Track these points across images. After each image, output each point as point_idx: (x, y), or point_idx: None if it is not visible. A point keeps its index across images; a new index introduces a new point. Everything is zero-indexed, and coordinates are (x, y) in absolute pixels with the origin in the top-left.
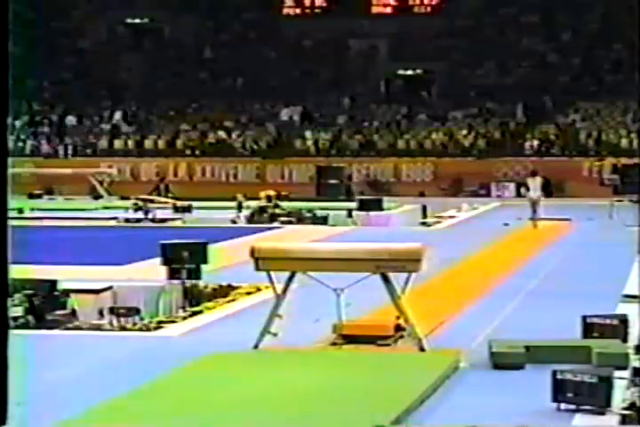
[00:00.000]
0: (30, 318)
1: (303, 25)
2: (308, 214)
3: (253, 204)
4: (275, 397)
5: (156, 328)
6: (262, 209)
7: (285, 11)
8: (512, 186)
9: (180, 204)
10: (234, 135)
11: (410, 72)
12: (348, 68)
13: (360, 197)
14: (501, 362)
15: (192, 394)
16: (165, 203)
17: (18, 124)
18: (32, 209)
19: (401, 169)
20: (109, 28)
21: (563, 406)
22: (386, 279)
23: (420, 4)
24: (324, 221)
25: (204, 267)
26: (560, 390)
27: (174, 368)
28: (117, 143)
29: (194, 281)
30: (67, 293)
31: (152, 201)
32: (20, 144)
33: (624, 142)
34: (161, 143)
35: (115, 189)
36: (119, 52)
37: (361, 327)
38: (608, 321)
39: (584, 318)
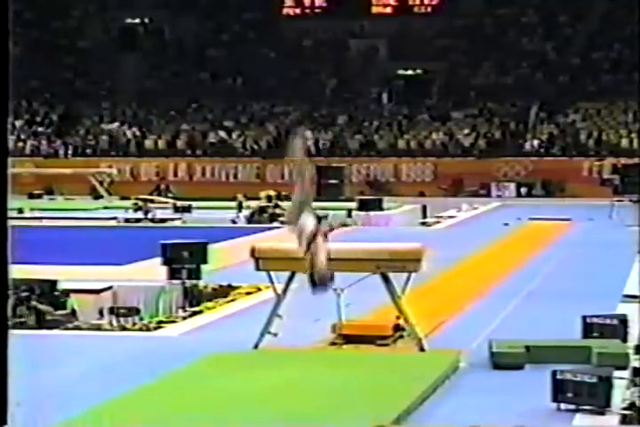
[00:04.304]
0: (30, 318)
1: (303, 25)
2: None
3: (253, 204)
4: (274, 397)
5: (155, 328)
6: (262, 209)
7: (285, 11)
8: (512, 186)
9: (180, 204)
10: (234, 135)
11: (410, 72)
12: (348, 68)
13: (360, 196)
14: (501, 362)
15: (192, 394)
16: (165, 203)
17: (18, 124)
18: (32, 209)
19: (401, 169)
20: (109, 28)
21: (563, 406)
22: (386, 279)
23: (419, 4)
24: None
25: (203, 267)
26: (560, 390)
27: (174, 368)
28: (118, 143)
29: (194, 281)
30: (67, 293)
31: (152, 201)
32: (20, 144)
33: (624, 142)
34: (161, 143)
35: (115, 189)
36: (119, 52)
37: (360, 327)
38: (608, 321)
39: (584, 318)
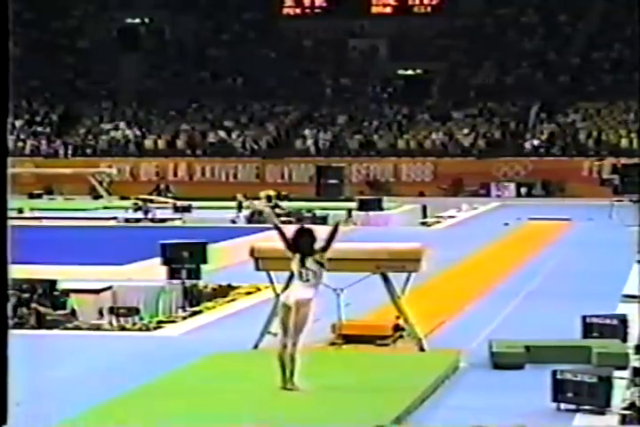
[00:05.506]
0: (30, 318)
1: (303, 25)
2: (308, 214)
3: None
4: (275, 397)
5: (155, 328)
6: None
7: (285, 11)
8: (512, 186)
9: (180, 204)
10: (234, 135)
11: (410, 72)
12: (348, 68)
13: (360, 197)
14: (501, 362)
15: (192, 394)
16: (165, 203)
17: (18, 124)
18: (32, 209)
19: (401, 169)
20: (109, 28)
21: (563, 406)
22: (386, 279)
23: (419, 4)
24: (323, 221)
25: (203, 267)
26: (560, 390)
27: (174, 368)
28: (118, 143)
29: (194, 281)
30: (67, 293)
31: (152, 201)
32: (20, 144)
33: (624, 142)
34: (161, 143)
35: (115, 189)
36: (119, 52)
37: (360, 327)
38: (608, 321)
39: (584, 318)
